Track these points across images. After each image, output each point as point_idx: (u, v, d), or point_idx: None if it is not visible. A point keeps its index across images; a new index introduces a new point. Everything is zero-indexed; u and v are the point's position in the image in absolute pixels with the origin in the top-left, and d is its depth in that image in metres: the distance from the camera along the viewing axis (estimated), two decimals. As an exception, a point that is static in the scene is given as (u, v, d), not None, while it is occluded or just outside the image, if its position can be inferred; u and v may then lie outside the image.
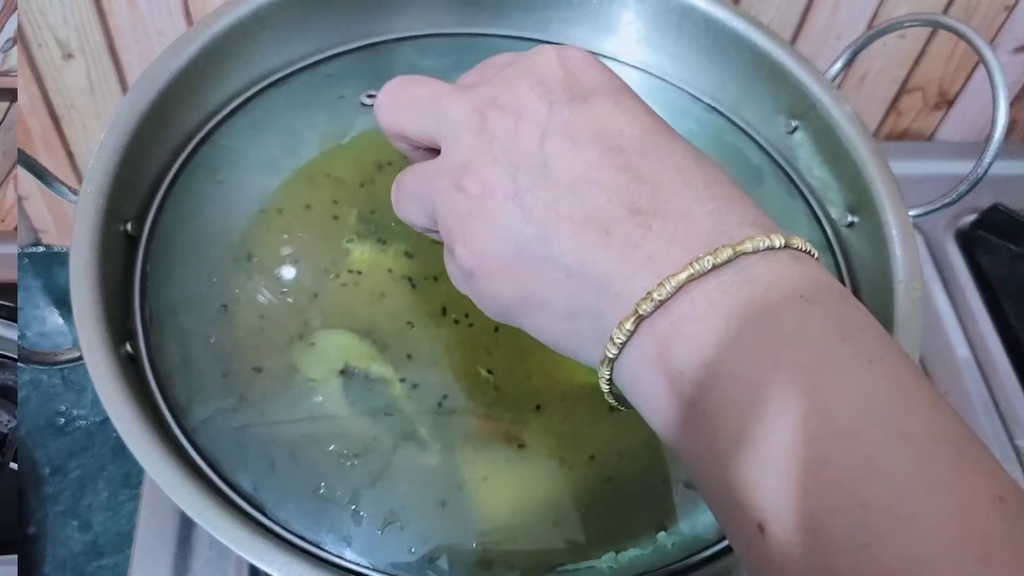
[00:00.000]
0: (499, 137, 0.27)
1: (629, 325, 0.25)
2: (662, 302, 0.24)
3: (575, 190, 0.26)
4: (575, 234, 0.25)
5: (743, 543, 0.24)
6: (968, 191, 0.44)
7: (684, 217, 0.25)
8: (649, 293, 0.24)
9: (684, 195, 0.26)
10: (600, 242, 0.25)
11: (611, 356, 0.26)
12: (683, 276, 0.24)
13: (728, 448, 0.23)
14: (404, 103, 0.32)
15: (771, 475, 0.22)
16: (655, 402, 0.25)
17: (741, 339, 0.23)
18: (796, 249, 0.26)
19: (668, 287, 0.24)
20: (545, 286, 0.26)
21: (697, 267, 0.24)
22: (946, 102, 0.73)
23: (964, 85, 0.72)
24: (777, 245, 0.25)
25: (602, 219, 0.25)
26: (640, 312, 0.24)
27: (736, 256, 0.24)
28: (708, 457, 0.24)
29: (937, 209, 0.45)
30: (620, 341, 0.25)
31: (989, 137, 0.43)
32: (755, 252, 0.25)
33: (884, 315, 0.42)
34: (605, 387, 0.28)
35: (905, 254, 0.43)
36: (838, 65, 0.49)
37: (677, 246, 0.25)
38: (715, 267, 0.24)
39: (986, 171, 0.43)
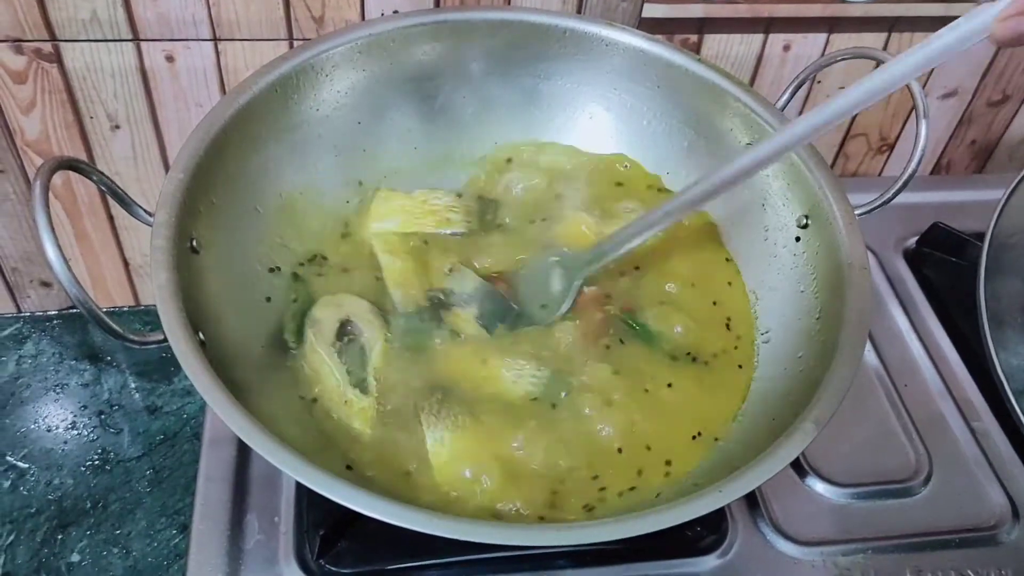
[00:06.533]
0: None
1: None
2: None
3: None
4: None
5: None
6: (903, 188, 0.52)
7: None
8: None
9: None
10: None
11: None
12: None
13: None
14: None
15: None
16: None
17: None
18: None
19: None
20: None
21: None
22: (888, 145, 0.82)
23: (902, 129, 0.81)
24: None
25: None
26: None
27: None
28: None
29: (877, 206, 0.53)
30: None
31: (916, 138, 0.51)
32: None
33: (838, 290, 0.49)
34: None
35: (852, 243, 0.51)
36: (785, 97, 0.58)
37: None
38: None
39: (916, 169, 0.51)
